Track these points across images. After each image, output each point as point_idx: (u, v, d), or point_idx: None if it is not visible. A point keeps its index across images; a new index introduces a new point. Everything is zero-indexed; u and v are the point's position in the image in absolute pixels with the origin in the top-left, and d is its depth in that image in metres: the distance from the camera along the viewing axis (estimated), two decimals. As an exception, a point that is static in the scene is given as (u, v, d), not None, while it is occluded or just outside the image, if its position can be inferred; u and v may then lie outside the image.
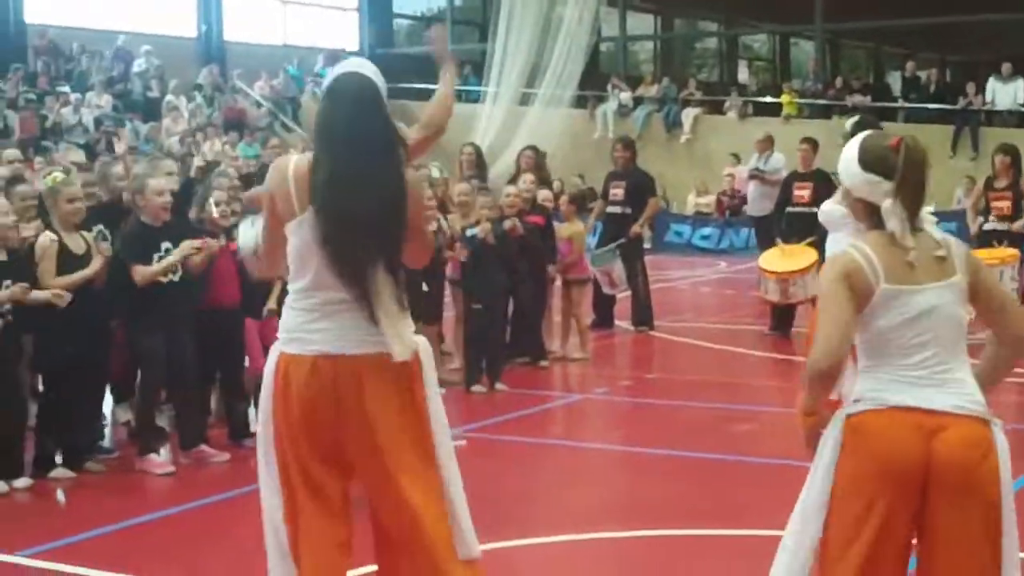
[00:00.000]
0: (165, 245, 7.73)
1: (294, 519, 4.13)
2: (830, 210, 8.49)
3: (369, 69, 4.22)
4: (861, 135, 3.91)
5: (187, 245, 7.73)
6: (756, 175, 16.69)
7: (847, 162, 3.86)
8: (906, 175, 3.73)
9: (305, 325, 4.10)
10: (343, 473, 4.19)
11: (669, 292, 17.42)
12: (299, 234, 4.07)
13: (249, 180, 10.16)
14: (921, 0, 27.24)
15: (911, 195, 3.74)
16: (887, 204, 3.74)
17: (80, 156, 14.46)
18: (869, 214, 3.82)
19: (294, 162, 4.14)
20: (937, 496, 3.61)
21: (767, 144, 17.24)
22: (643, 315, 13.66)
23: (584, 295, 12.32)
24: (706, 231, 24.43)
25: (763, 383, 11.56)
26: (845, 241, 8.12)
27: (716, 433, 9.00)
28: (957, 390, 3.68)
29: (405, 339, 4.05)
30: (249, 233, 7.26)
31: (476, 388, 10.23)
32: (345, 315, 4.06)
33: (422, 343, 4.19)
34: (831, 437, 3.72)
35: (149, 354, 7.75)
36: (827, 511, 3.69)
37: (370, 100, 4.13)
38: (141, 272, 7.63)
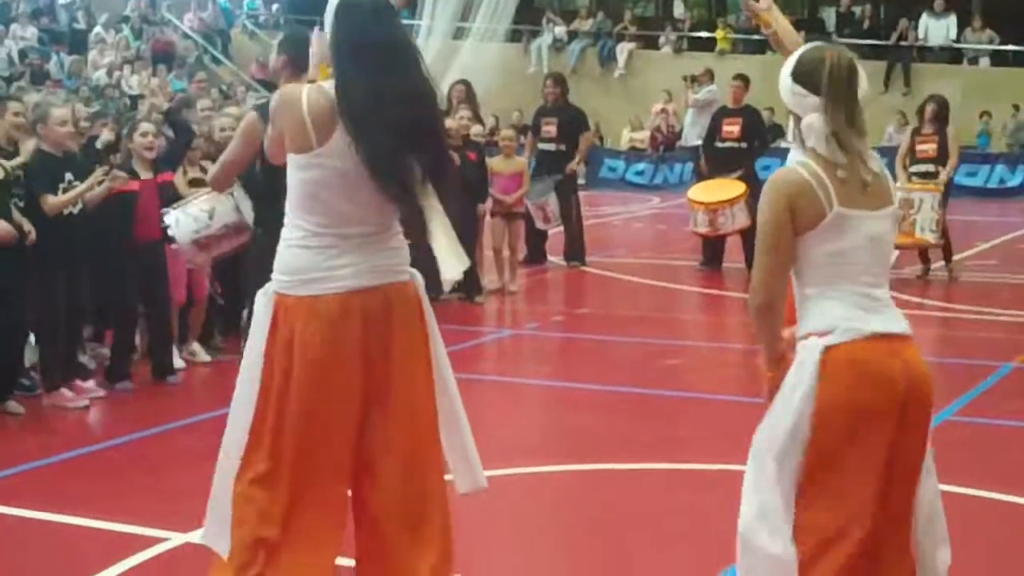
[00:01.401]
0: (68, 176, 7.60)
1: (273, 503, 3.96)
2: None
3: None
4: (805, 46, 3.76)
5: (99, 173, 7.62)
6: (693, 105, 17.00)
7: (783, 74, 3.71)
8: (831, 89, 3.58)
9: (325, 263, 3.92)
10: (358, 433, 4.03)
11: (602, 228, 17.41)
12: (314, 168, 3.89)
13: (172, 113, 9.98)
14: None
15: (838, 111, 3.58)
16: (809, 119, 3.60)
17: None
18: (796, 128, 3.70)
19: (306, 94, 3.92)
20: (910, 418, 3.59)
21: (706, 77, 17.37)
22: (576, 250, 13.65)
23: (519, 230, 12.27)
24: (640, 167, 24.41)
25: (694, 318, 11.62)
26: None
27: (649, 368, 9.02)
28: (898, 314, 3.67)
29: (461, 255, 3.99)
30: (185, 224, 7.21)
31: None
32: (369, 247, 3.94)
33: (418, 275, 4.12)
34: (807, 367, 3.54)
35: (49, 290, 7.60)
36: (806, 441, 3.54)
37: (388, 10, 4.00)
38: (51, 202, 7.48)
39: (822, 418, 3.52)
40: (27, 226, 7.33)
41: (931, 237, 12.00)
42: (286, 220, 4.03)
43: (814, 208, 3.54)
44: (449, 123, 11.21)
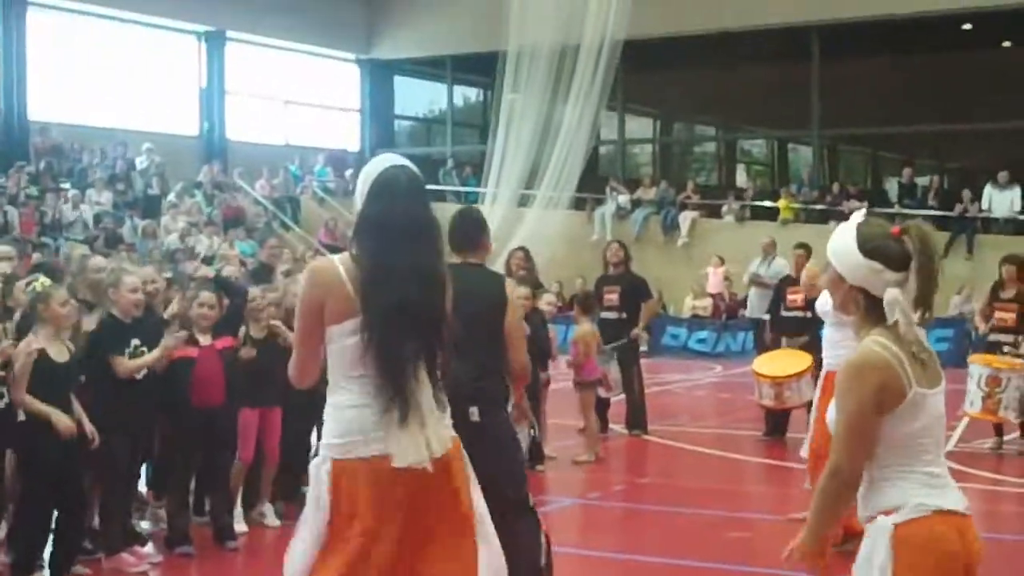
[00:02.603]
0: (134, 341, 7.72)
1: None
2: (826, 301, 8.47)
3: (409, 164, 4.23)
4: (853, 222, 3.69)
5: (175, 339, 7.76)
6: (757, 280, 16.91)
7: (844, 249, 3.63)
8: (922, 263, 3.54)
9: (369, 426, 4.00)
10: None
11: (664, 396, 17.33)
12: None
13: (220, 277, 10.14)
14: (919, 108, 27.55)
15: (924, 286, 3.55)
16: (892, 293, 3.54)
17: (84, 252, 14.49)
18: (868, 305, 3.62)
19: (339, 263, 4.07)
20: None
21: (771, 248, 17.41)
22: (638, 419, 13.57)
23: (589, 399, 12.23)
24: (702, 334, 24.39)
25: (757, 489, 11.44)
26: (841, 336, 8.14)
27: (711, 540, 8.88)
28: (958, 491, 3.62)
29: (431, 443, 4.00)
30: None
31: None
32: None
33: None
34: (879, 549, 3.48)
35: (113, 453, 7.64)
36: None
37: (420, 191, 4.16)
38: (124, 366, 7.59)
39: None
40: (88, 426, 7.36)
41: (1013, 417, 11.83)
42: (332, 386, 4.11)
43: (898, 389, 3.49)
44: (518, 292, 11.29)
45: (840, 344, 8.31)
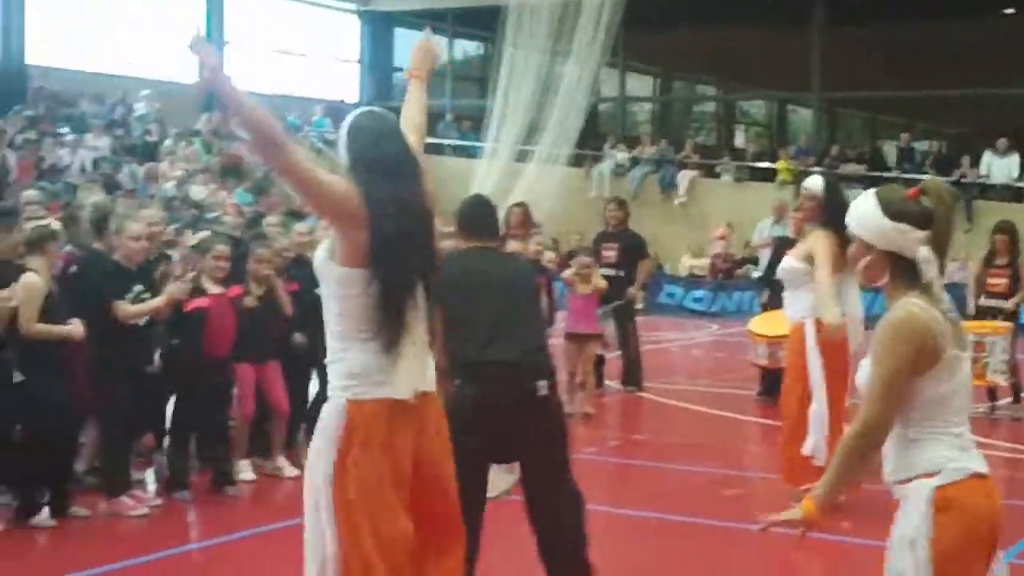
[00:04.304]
0: (137, 288, 7.74)
1: None
2: (791, 267, 8.49)
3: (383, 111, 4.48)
4: (870, 191, 3.77)
5: (179, 287, 7.80)
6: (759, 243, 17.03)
7: (867, 215, 3.69)
8: (943, 220, 3.62)
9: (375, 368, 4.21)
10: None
11: (660, 354, 17.39)
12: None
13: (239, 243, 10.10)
14: (919, 72, 27.46)
15: (943, 243, 3.64)
16: (924, 252, 3.60)
17: (101, 195, 14.39)
18: (898, 268, 3.67)
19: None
20: (991, 556, 3.63)
21: (783, 210, 17.42)
22: (633, 376, 13.63)
23: (592, 353, 12.27)
24: (699, 293, 24.44)
25: (752, 448, 11.51)
26: (804, 298, 8.19)
27: (705, 497, 8.96)
28: (981, 454, 3.69)
29: (426, 376, 4.30)
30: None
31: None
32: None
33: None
34: (917, 511, 3.54)
35: (113, 399, 7.69)
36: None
37: (395, 129, 4.39)
38: (125, 310, 7.62)
39: (941, 563, 3.51)
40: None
41: (1001, 379, 11.91)
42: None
43: (935, 351, 3.55)
44: (517, 246, 11.32)
45: (794, 303, 8.41)
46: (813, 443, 8.22)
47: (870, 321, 10.73)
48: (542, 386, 5.59)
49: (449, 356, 5.57)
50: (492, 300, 5.65)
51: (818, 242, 8.26)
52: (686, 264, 25.56)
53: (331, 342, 4.26)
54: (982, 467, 3.63)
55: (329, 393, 4.27)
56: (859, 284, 3.92)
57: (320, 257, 4.30)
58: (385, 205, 4.15)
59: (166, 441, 8.52)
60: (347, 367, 4.20)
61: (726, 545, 7.77)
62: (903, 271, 3.67)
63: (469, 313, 5.60)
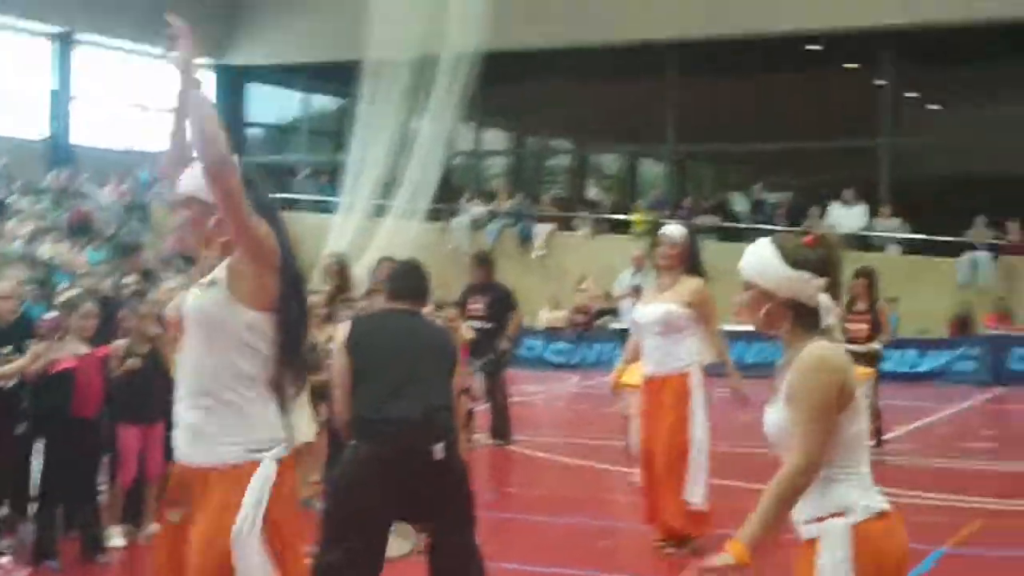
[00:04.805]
0: (4, 349, 7.55)
1: None
2: (678, 313, 8.57)
3: None
4: (768, 239, 3.85)
5: (39, 347, 7.58)
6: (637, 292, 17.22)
7: (767, 264, 3.76)
8: (836, 266, 3.76)
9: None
10: None
11: (524, 407, 17.40)
12: None
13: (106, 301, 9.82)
14: (768, 126, 28.19)
15: (838, 289, 3.76)
16: (825, 299, 3.70)
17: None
18: (799, 315, 3.74)
19: None
20: None
21: (642, 260, 17.64)
22: (502, 428, 13.64)
23: (464, 404, 12.22)
24: (559, 346, 24.60)
25: (622, 498, 11.56)
26: (688, 345, 8.33)
27: (579, 548, 8.98)
28: None
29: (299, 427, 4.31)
30: None
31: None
32: None
33: None
34: (838, 551, 3.58)
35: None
36: None
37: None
38: None
39: None
40: None
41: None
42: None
43: (851, 390, 3.64)
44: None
45: (674, 351, 8.52)
46: (701, 490, 8.34)
47: (753, 369, 10.97)
48: (438, 449, 5.57)
49: (352, 413, 5.54)
50: (401, 358, 5.64)
51: (701, 290, 8.46)
52: (544, 317, 25.69)
53: (226, 391, 4.11)
54: (885, 505, 3.71)
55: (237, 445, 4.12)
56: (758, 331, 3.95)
57: (215, 301, 4.12)
58: (288, 249, 4.16)
59: (32, 507, 8.22)
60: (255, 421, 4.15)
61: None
62: (803, 317, 3.74)
63: (375, 370, 5.58)
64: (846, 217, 24.88)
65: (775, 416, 3.73)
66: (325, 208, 27.09)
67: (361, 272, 16.62)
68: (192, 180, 4.26)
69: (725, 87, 29.55)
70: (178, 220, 4.78)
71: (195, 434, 4.14)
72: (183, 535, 4.13)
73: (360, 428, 5.55)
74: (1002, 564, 8.81)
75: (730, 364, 8.71)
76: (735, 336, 12.46)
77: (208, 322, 4.12)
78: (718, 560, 3.62)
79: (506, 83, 29.13)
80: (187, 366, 4.18)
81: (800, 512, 3.70)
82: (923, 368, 22.10)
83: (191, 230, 4.36)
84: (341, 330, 6.08)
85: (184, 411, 4.17)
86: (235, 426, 4.11)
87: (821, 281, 3.72)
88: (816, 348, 3.68)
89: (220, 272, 4.15)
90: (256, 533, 4.02)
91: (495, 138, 36.10)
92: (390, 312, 5.97)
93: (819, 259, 3.73)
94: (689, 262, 8.70)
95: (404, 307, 5.98)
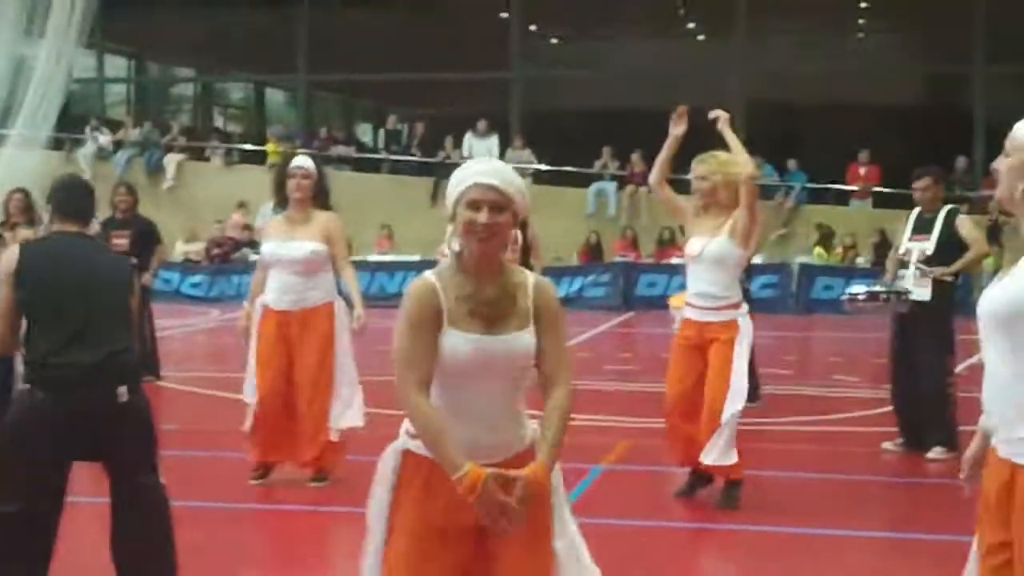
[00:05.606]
0: None
1: None
2: (319, 250, 8.70)
3: None
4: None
5: None
6: None
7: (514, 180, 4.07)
8: None
9: None
10: None
11: (166, 342, 16.99)
12: None
13: None
14: (399, 57, 28.44)
15: None
16: None
17: None
18: None
19: None
20: None
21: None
22: (150, 365, 13.28)
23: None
24: (196, 279, 24.11)
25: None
26: (328, 280, 8.50)
27: (239, 482, 8.98)
28: None
29: None
30: None
31: None
32: None
33: None
34: None
35: None
36: None
37: None
38: None
39: None
40: None
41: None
42: None
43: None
44: (28, 234, 10.75)
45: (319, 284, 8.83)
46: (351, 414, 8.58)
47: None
48: (123, 391, 5.39)
49: (26, 357, 5.26)
50: (81, 297, 5.36)
51: (335, 222, 8.63)
52: (180, 249, 25.12)
53: None
54: None
55: None
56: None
57: None
58: None
59: None
60: None
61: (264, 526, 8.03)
62: None
63: (53, 310, 5.29)
64: (479, 147, 25.48)
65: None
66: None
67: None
68: None
69: (357, 18, 29.56)
70: None
71: None
72: None
73: (38, 373, 5.28)
74: (652, 478, 9.38)
75: (359, 294, 8.86)
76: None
77: None
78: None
79: (126, 6, 28.13)
80: None
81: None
82: (559, 294, 23.02)
83: None
84: (4, 258, 5.65)
85: None
86: None
87: None
88: None
89: None
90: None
91: (117, 65, 34.78)
92: (62, 237, 5.60)
93: None
94: (320, 197, 8.81)
95: (75, 230, 5.67)
